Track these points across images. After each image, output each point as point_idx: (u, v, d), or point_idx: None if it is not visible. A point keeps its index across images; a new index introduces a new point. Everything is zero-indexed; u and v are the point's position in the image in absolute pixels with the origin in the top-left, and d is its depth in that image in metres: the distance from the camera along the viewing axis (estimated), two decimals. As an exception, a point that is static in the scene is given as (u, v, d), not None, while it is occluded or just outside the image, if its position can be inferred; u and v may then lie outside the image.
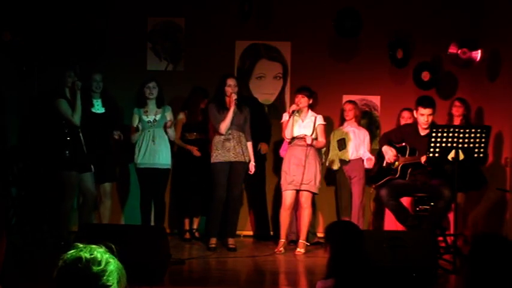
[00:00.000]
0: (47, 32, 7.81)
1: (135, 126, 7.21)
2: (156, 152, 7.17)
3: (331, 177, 7.72)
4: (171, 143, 7.34)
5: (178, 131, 7.47)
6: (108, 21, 7.91)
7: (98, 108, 7.21)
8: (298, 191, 6.96)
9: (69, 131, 6.78)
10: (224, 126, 6.91)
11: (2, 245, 4.19)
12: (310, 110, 7.09)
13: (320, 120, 7.05)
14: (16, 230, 6.99)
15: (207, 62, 8.03)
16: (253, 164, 7.08)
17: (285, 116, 7.08)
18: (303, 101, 6.98)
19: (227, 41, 8.11)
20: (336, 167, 7.48)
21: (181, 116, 7.52)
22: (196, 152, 7.39)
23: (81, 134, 6.85)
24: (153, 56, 8.15)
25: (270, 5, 8.11)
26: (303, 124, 7.01)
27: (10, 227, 6.84)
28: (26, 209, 7.20)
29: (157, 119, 7.22)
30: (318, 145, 7.04)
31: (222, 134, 6.94)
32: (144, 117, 7.22)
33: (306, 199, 6.95)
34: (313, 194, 7.01)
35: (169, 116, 7.27)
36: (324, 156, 7.43)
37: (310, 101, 7.06)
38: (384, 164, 6.68)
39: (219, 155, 6.96)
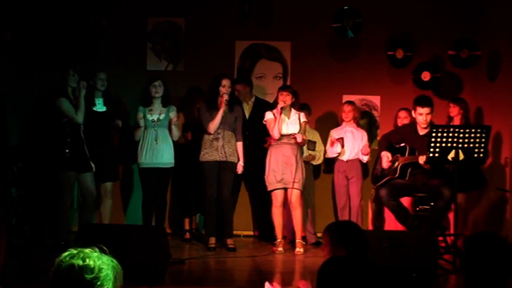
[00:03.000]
0: (47, 31, 7.80)
1: (140, 118, 7.18)
2: (159, 151, 7.16)
3: (330, 177, 7.71)
4: (174, 142, 7.32)
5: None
6: (108, 21, 7.90)
7: (100, 107, 7.20)
8: (285, 189, 6.97)
9: (70, 130, 6.77)
10: (212, 126, 6.93)
11: (2, 245, 4.19)
12: (292, 108, 7.09)
13: (303, 117, 7.07)
14: (16, 230, 6.99)
15: (207, 62, 8.03)
16: (242, 164, 7.07)
17: (268, 115, 7.05)
18: (288, 98, 6.97)
19: (227, 41, 8.11)
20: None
21: (179, 116, 7.54)
22: (189, 136, 7.42)
23: (82, 133, 6.85)
24: (153, 56, 8.15)
25: (270, 5, 8.11)
26: (289, 121, 7.01)
27: (10, 227, 6.83)
28: (26, 209, 7.19)
29: (161, 118, 7.20)
30: (303, 142, 7.06)
31: (210, 134, 6.95)
32: (149, 116, 7.20)
33: (296, 198, 6.95)
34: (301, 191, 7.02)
35: (173, 115, 7.26)
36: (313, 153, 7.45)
37: (293, 99, 7.05)
38: (380, 167, 6.68)
39: (206, 154, 6.98)
